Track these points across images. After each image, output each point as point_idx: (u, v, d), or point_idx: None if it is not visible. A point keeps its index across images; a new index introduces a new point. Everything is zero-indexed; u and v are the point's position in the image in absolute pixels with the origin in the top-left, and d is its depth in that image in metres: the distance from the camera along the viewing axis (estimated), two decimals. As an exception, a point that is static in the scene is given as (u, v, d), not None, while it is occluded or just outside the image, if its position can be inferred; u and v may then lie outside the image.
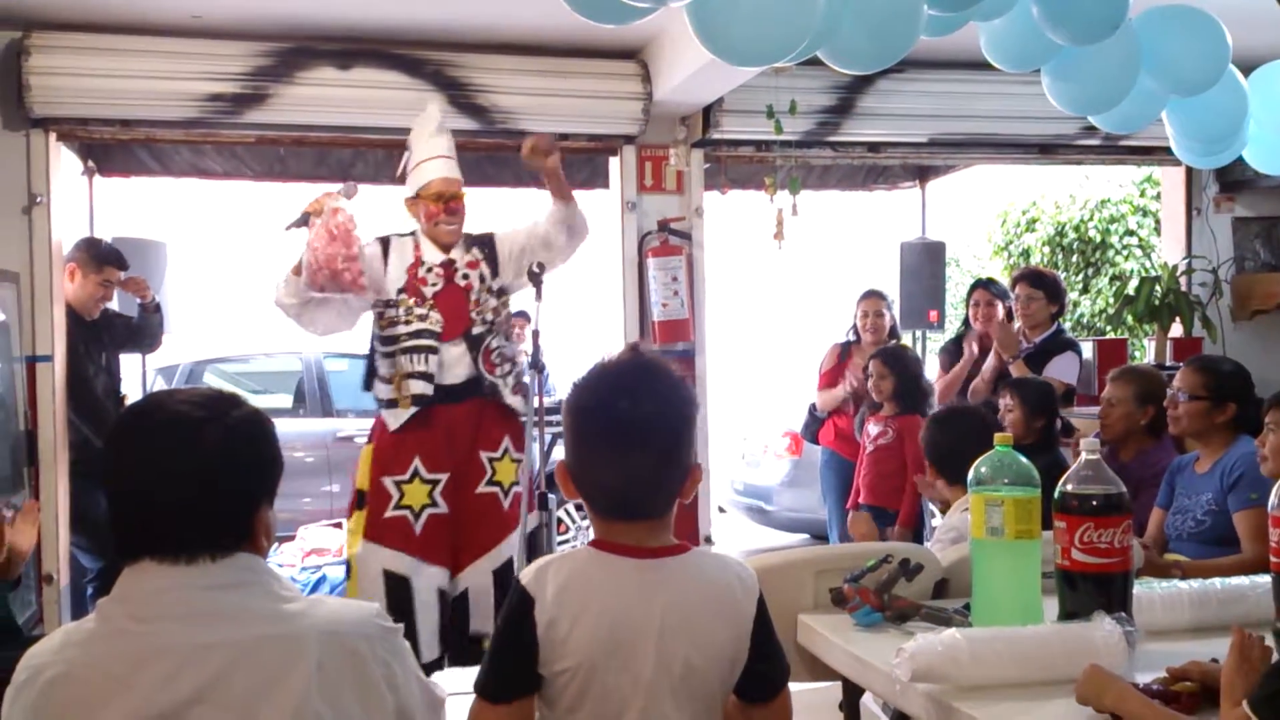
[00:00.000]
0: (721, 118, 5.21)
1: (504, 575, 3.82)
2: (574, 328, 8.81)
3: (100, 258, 4.71)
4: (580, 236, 4.00)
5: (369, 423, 7.51)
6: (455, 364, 3.85)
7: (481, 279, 3.88)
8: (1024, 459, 2.13)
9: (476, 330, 3.83)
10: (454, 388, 3.83)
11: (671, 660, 1.63)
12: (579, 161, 5.91)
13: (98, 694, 1.41)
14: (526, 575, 1.66)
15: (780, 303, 15.10)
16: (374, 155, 5.87)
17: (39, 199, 4.61)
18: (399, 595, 3.77)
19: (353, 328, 4.05)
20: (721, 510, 7.79)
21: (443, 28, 4.80)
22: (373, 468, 3.85)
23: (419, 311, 3.84)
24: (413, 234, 3.98)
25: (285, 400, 8.03)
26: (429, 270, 3.88)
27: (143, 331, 4.98)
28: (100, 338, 4.80)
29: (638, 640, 1.62)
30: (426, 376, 3.81)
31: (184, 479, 1.48)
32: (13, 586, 3.44)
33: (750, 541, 7.96)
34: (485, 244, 3.98)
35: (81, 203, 5.62)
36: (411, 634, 3.80)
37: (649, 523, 1.69)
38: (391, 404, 3.86)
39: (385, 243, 3.95)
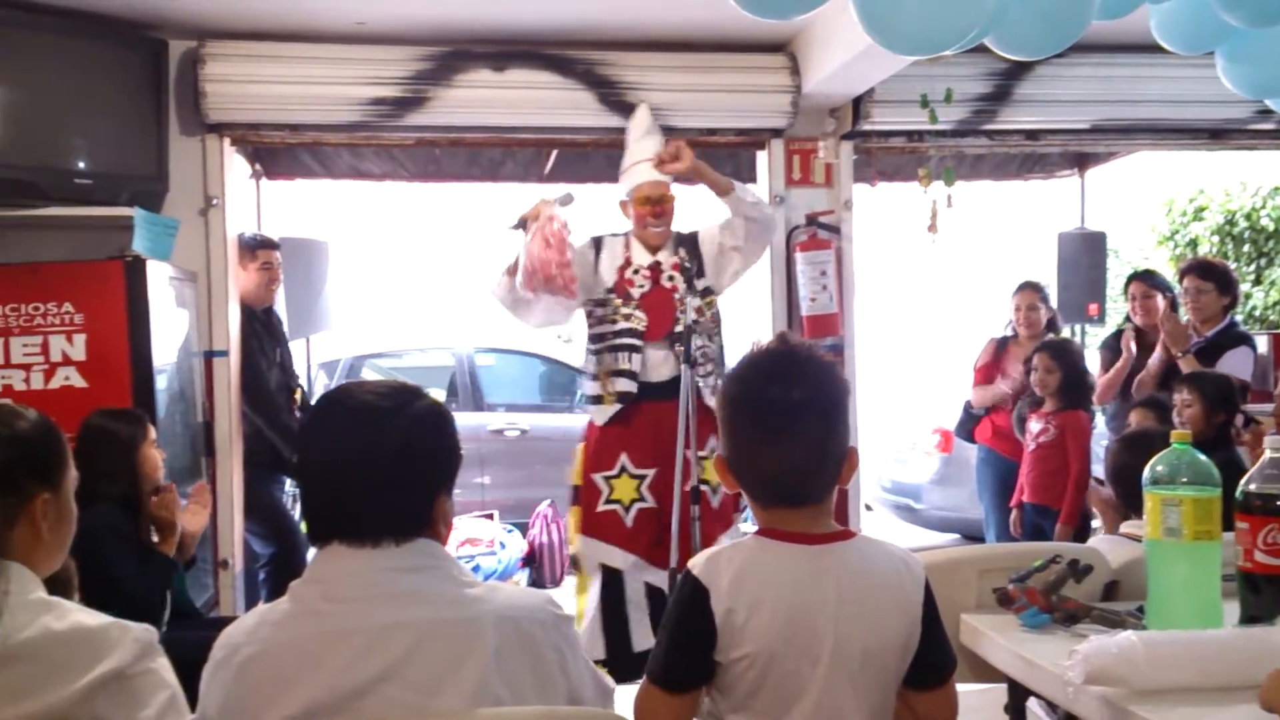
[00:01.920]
0: (872, 109, 5.13)
1: None
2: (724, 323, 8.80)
3: (251, 244, 4.96)
4: (761, 226, 4.08)
5: (519, 416, 7.79)
6: (660, 364, 3.99)
7: (687, 280, 3.96)
8: (1203, 457, 2.05)
9: (680, 330, 3.89)
10: (660, 385, 3.97)
11: (848, 646, 1.64)
12: (722, 156, 5.91)
13: (291, 672, 1.48)
14: (697, 566, 1.68)
15: (933, 297, 14.79)
16: (523, 154, 5.98)
17: (214, 201, 4.84)
18: (613, 588, 3.97)
19: (567, 322, 4.25)
20: (868, 508, 7.69)
21: (593, 26, 4.85)
22: (585, 464, 4.06)
23: (625, 311, 4.02)
24: (626, 234, 4.13)
25: (438, 394, 8.23)
26: (636, 271, 4.06)
27: None
28: (274, 332, 5.03)
29: (815, 626, 1.63)
30: (631, 375, 3.98)
31: (370, 466, 1.54)
32: (188, 567, 3.64)
33: (899, 540, 7.83)
34: (690, 243, 4.09)
35: (250, 205, 5.87)
36: (623, 625, 3.95)
37: (811, 509, 1.70)
38: (597, 400, 4.04)
39: (598, 243, 4.13)
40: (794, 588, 1.64)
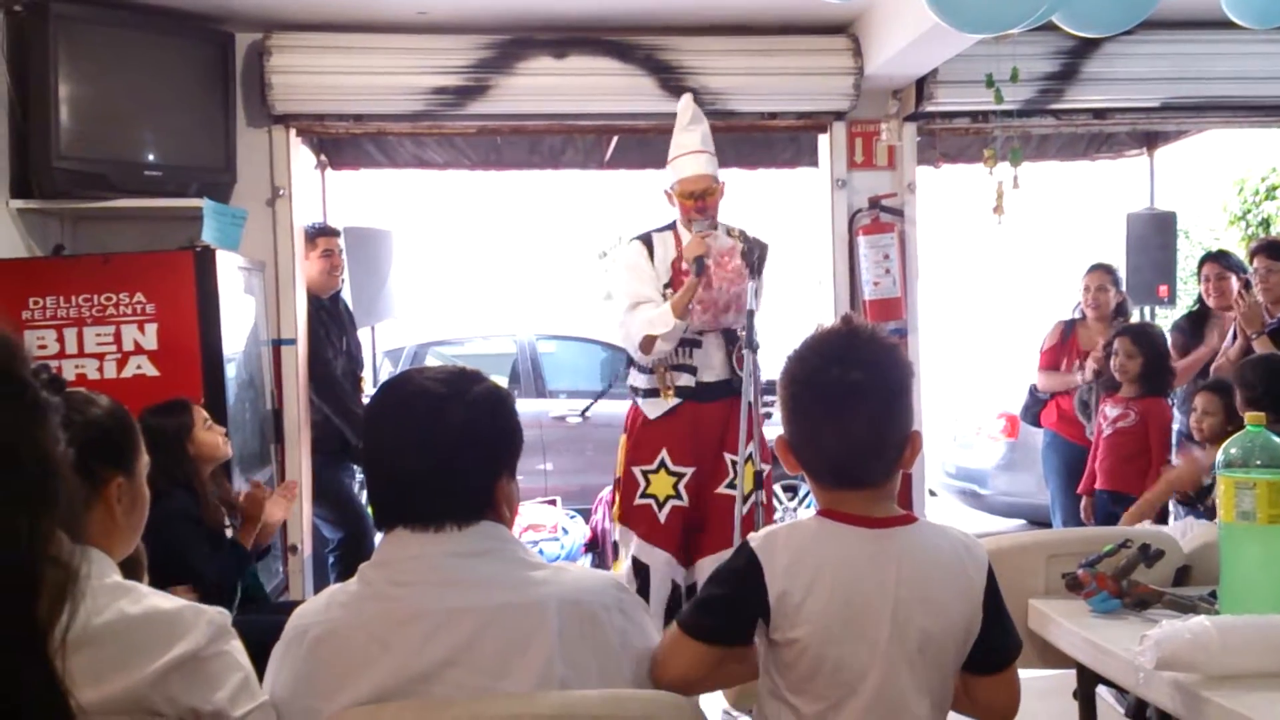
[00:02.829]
0: (936, 89, 5.06)
1: None
2: (784, 308, 8.77)
3: (311, 233, 5.03)
4: None
5: (581, 403, 7.80)
6: (713, 360, 3.98)
7: (749, 264, 3.90)
8: (1278, 440, 2.01)
9: (728, 326, 3.91)
10: (709, 385, 3.96)
11: (907, 630, 1.63)
12: (783, 140, 5.87)
13: (360, 653, 1.50)
14: (756, 539, 1.68)
15: (999, 279, 14.59)
16: (584, 141, 5.99)
17: (281, 191, 4.91)
18: (641, 579, 3.96)
19: None
20: (933, 493, 7.62)
21: (652, 11, 4.84)
22: (626, 456, 4.05)
23: None
24: (672, 226, 4.10)
25: (500, 381, 8.27)
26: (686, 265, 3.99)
27: None
28: (340, 320, 5.09)
29: (873, 610, 1.62)
30: (690, 369, 3.96)
31: (429, 451, 1.55)
32: (261, 556, 3.71)
33: (964, 526, 7.74)
34: (758, 251, 4.01)
35: (316, 195, 5.95)
36: None
37: (871, 490, 1.69)
38: (652, 394, 4.01)
39: (648, 242, 4.09)
40: (852, 570, 1.64)
